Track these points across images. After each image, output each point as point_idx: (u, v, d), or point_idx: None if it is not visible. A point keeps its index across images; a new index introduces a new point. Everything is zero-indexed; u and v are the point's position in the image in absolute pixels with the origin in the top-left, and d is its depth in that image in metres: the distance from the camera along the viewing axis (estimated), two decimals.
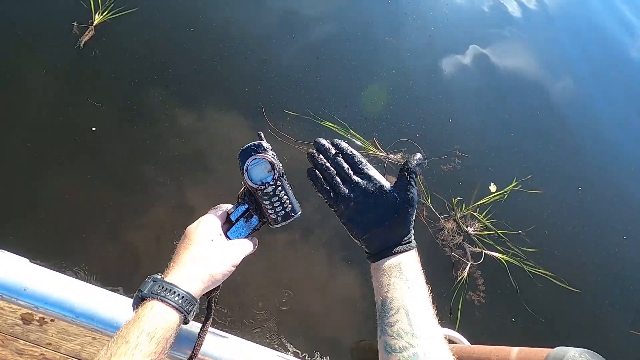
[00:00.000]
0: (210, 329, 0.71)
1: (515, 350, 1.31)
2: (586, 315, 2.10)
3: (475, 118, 2.61)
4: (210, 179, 2.01)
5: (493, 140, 2.55)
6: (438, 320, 0.59)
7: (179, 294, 0.56)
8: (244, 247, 0.66)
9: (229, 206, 0.70)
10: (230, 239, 0.66)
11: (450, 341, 1.70)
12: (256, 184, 0.67)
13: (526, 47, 3.14)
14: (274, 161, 0.67)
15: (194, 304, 0.58)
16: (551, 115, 2.80)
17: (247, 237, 0.68)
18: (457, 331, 1.73)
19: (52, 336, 1.30)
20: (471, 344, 1.68)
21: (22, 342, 1.28)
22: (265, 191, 0.67)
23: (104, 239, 1.76)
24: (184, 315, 0.56)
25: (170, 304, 0.55)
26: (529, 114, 2.75)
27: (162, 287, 0.56)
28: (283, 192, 0.68)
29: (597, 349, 1.10)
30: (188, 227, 0.65)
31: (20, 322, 1.31)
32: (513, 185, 2.36)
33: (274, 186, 0.68)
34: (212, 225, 0.65)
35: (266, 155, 0.67)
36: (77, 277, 1.64)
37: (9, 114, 1.94)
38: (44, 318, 1.31)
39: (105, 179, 1.88)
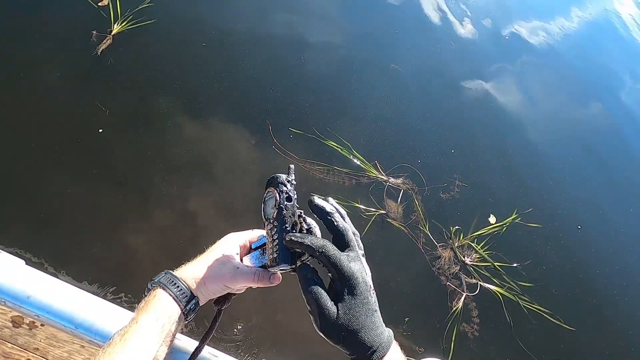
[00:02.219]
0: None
1: None
2: (580, 356, 2.07)
3: (477, 149, 2.63)
4: (213, 188, 2.03)
5: (494, 172, 2.56)
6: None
7: (178, 287, 0.63)
8: (241, 274, 0.65)
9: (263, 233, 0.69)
10: (242, 262, 0.67)
11: None
12: (263, 219, 0.63)
13: (531, 82, 3.20)
14: (279, 199, 0.61)
15: (191, 299, 0.63)
16: (553, 153, 2.82)
17: (259, 267, 0.66)
18: None
19: (40, 341, 1.29)
20: None
21: (9, 345, 1.27)
22: (268, 228, 0.62)
23: (103, 239, 1.77)
24: (180, 306, 0.62)
25: (170, 293, 0.62)
26: (532, 150, 2.78)
27: (168, 279, 0.63)
28: (276, 235, 0.60)
29: None
30: (230, 233, 0.71)
31: (10, 324, 1.30)
32: (513, 217, 2.36)
33: (271, 226, 0.62)
34: (232, 242, 0.69)
35: (275, 190, 0.62)
36: (74, 279, 1.65)
37: (21, 114, 1.98)
38: (34, 322, 1.31)
39: (108, 181, 1.90)
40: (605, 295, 2.26)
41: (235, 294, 0.70)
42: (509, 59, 3.24)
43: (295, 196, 0.63)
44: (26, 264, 0.91)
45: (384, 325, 0.60)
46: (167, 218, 1.88)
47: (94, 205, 1.83)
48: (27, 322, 1.33)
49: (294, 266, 0.60)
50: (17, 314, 1.37)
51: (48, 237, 1.73)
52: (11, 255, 0.94)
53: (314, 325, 0.58)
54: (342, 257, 0.60)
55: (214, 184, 2.04)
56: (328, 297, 0.58)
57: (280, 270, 0.61)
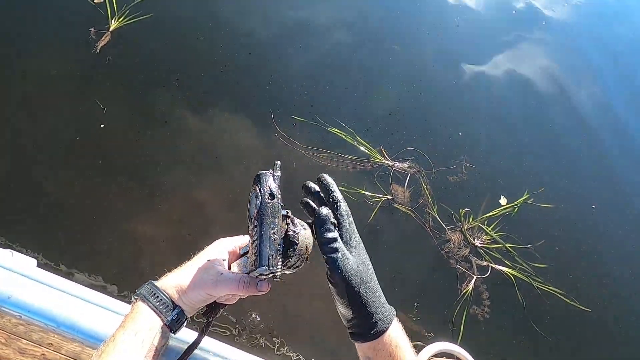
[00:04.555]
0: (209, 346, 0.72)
1: None
2: (596, 337, 2.02)
3: (485, 130, 2.56)
4: (218, 179, 2.03)
5: (504, 153, 2.49)
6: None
7: (158, 297, 0.59)
8: (224, 281, 0.60)
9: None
10: (230, 269, 0.62)
11: (454, 356, 1.66)
12: (247, 219, 0.58)
13: (541, 57, 3.07)
14: (259, 197, 0.56)
15: (171, 309, 0.60)
16: (566, 129, 2.72)
17: (246, 274, 0.60)
18: (459, 345, 1.69)
19: (53, 337, 1.32)
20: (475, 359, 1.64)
21: (24, 341, 1.31)
22: (249, 229, 0.58)
23: (109, 235, 1.80)
24: (162, 317, 0.59)
25: (149, 305, 0.59)
26: (543, 127, 2.68)
27: (149, 290, 0.60)
28: (256, 236, 0.56)
29: None
30: (221, 239, 0.67)
31: (24, 321, 1.34)
32: (524, 198, 2.30)
33: (252, 226, 0.57)
34: (219, 248, 0.65)
35: (257, 187, 0.57)
36: (83, 275, 1.68)
37: (22, 113, 2.01)
38: None
39: (111, 176, 1.93)
40: (621, 276, 2.20)
41: (225, 304, 0.65)
42: (516, 35, 3.12)
43: (279, 194, 0.58)
44: (37, 265, 0.93)
45: (385, 300, 0.61)
46: (173, 211, 1.89)
47: (98, 201, 1.86)
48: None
49: (273, 270, 0.55)
50: None
51: (54, 234, 1.77)
52: (23, 256, 0.96)
53: (334, 270, 0.56)
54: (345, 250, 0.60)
55: (219, 175, 2.05)
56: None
57: (260, 275, 0.56)
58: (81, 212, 1.83)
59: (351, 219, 0.61)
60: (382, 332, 0.58)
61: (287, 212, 0.58)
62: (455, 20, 3.01)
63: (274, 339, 1.71)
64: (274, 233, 0.56)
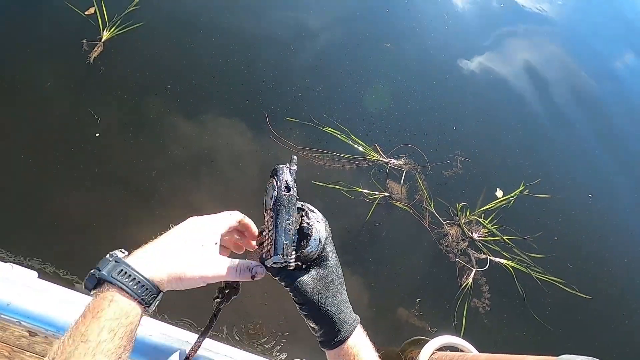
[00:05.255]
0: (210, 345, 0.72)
1: (517, 357, 1.28)
2: (598, 324, 2.03)
3: (479, 123, 2.58)
4: (214, 183, 2.04)
5: (498, 146, 2.51)
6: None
7: (142, 284, 0.51)
8: (221, 269, 0.57)
9: (247, 221, 0.65)
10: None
11: (456, 349, 1.67)
12: (263, 210, 0.61)
13: (532, 49, 3.10)
14: (275, 189, 0.58)
15: (155, 295, 0.52)
16: (559, 119, 2.74)
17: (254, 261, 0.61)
18: (462, 338, 1.70)
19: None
20: (478, 351, 1.64)
21: (28, 354, 1.31)
22: (266, 219, 0.60)
23: (108, 243, 1.80)
24: (145, 306, 0.52)
25: (131, 295, 0.50)
26: (536, 120, 2.70)
27: (124, 272, 0.50)
28: (272, 227, 0.58)
29: (609, 357, 1.05)
30: (190, 218, 0.61)
31: (27, 334, 1.34)
32: (520, 189, 2.32)
33: (268, 217, 0.59)
34: (211, 230, 0.59)
35: (274, 180, 0.59)
36: (80, 284, 1.69)
37: (20, 125, 2.02)
38: None
39: (108, 183, 1.93)
40: (620, 263, 2.21)
41: (237, 293, 0.65)
42: (506, 29, 3.14)
43: (296, 187, 0.60)
44: (39, 276, 0.94)
45: (351, 308, 0.64)
46: (170, 216, 1.90)
47: (95, 210, 1.86)
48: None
49: (287, 260, 0.57)
50: None
51: (53, 245, 1.77)
52: (23, 268, 0.96)
53: (291, 292, 0.61)
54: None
55: (215, 179, 2.06)
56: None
57: (275, 264, 0.58)
58: (79, 221, 1.83)
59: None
60: (344, 340, 0.61)
61: (302, 205, 0.61)
62: (446, 16, 3.04)
63: (274, 340, 1.71)
64: (289, 224, 0.57)
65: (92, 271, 0.51)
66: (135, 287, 0.50)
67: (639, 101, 3.05)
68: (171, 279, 0.54)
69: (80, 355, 0.44)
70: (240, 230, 0.67)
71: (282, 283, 0.61)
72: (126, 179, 1.97)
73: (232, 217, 0.63)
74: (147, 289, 0.51)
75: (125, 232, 1.83)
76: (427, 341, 1.64)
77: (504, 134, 2.58)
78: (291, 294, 0.61)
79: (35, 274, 0.96)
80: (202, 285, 0.57)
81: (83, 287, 0.52)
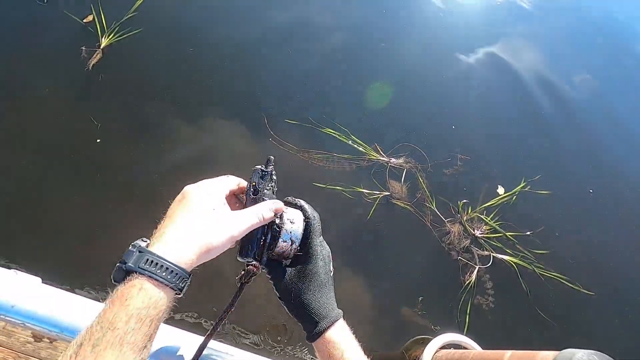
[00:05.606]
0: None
1: (521, 353, 1.27)
2: (602, 320, 2.02)
3: (479, 121, 2.57)
4: None
5: (498, 143, 2.51)
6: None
7: (171, 270, 0.49)
8: (248, 217, 0.57)
9: (242, 182, 0.65)
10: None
11: (460, 346, 1.67)
12: None
13: (531, 44, 3.10)
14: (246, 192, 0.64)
15: (186, 279, 0.51)
16: (559, 114, 2.74)
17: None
18: (466, 336, 1.69)
19: (61, 353, 1.34)
20: (482, 348, 1.64)
21: (33, 359, 1.32)
22: None
23: (111, 248, 1.81)
24: (177, 292, 0.51)
25: (161, 282, 0.48)
26: (535, 116, 2.70)
27: (151, 261, 0.49)
28: None
29: (613, 352, 1.05)
30: (187, 187, 0.59)
31: (32, 339, 1.35)
32: (521, 186, 2.31)
33: None
34: (215, 191, 0.59)
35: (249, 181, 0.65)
36: (88, 292, 1.69)
37: (20, 132, 2.04)
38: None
39: (110, 188, 1.94)
40: (622, 257, 2.20)
41: (258, 272, 0.66)
42: (504, 25, 3.14)
43: (268, 189, 0.64)
44: (42, 281, 0.95)
45: (335, 304, 0.66)
46: None
47: (98, 215, 1.87)
48: (47, 336, 1.38)
49: (250, 262, 0.62)
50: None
51: (56, 251, 1.78)
52: (27, 274, 0.97)
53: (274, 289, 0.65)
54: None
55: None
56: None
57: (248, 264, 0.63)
58: (82, 227, 1.84)
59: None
60: (319, 334, 0.62)
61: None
62: (441, 15, 3.04)
63: (278, 337, 1.71)
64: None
65: (118, 264, 0.51)
66: (164, 274, 0.49)
67: None
68: (200, 254, 0.52)
69: (108, 343, 0.43)
70: (237, 195, 0.67)
71: (269, 277, 0.65)
72: (128, 184, 1.98)
73: (230, 179, 0.64)
74: (176, 274, 0.50)
75: (128, 236, 1.83)
76: (431, 339, 1.64)
77: (504, 131, 2.58)
78: (274, 289, 0.65)
79: (39, 279, 0.97)
80: (231, 246, 0.57)
81: (112, 281, 0.51)
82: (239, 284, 0.67)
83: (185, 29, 2.52)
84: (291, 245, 0.63)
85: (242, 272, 0.67)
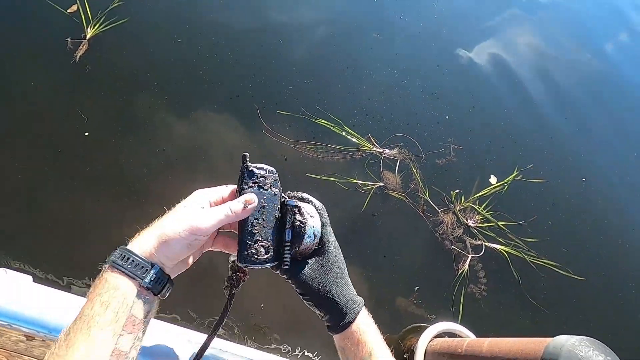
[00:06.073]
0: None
1: (513, 340, 1.29)
2: (592, 305, 2.06)
3: (471, 111, 2.57)
4: (209, 179, 2.01)
5: (491, 132, 2.51)
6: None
7: (132, 261, 0.52)
8: (215, 212, 0.57)
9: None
10: None
11: (454, 334, 1.69)
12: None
13: (525, 34, 3.09)
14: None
15: (147, 269, 0.53)
16: (552, 104, 2.74)
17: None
18: (460, 324, 1.72)
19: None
20: (476, 336, 1.67)
21: (26, 358, 1.30)
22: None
23: (102, 244, 1.79)
24: (138, 280, 0.52)
25: (119, 269, 0.52)
26: (528, 106, 2.70)
27: (120, 254, 0.53)
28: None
29: (605, 337, 1.07)
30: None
31: (24, 338, 1.33)
32: (514, 175, 2.33)
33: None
34: (198, 195, 0.61)
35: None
36: (79, 287, 1.68)
37: (5, 126, 1.99)
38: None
39: (100, 182, 1.91)
40: (615, 244, 2.24)
41: (246, 275, 0.65)
42: (498, 17, 3.13)
43: (244, 186, 0.62)
44: (33, 280, 0.93)
45: (355, 291, 0.66)
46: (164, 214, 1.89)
47: (88, 210, 1.84)
48: (37, 336, 1.36)
49: (280, 261, 0.60)
50: None
51: (46, 247, 1.76)
52: (18, 273, 0.95)
53: (294, 284, 0.63)
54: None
55: (208, 176, 2.04)
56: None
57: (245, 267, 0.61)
58: (72, 222, 1.82)
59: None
60: (349, 323, 0.62)
61: (295, 202, 0.61)
62: (435, 4, 3.01)
63: (276, 334, 1.72)
64: (254, 227, 0.59)
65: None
66: (124, 263, 0.52)
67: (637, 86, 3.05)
68: (159, 245, 0.54)
69: (77, 331, 0.48)
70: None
71: (284, 276, 0.62)
72: (118, 178, 1.95)
73: (225, 188, 0.63)
74: (137, 264, 0.52)
75: (119, 231, 1.82)
76: (426, 328, 1.66)
77: (497, 121, 2.58)
78: (293, 286, 0.63)
79: (29, 277, 0.95)
80: (196, 240, 0.55)
81: None
82: (228, 294, 0.64)
83: (173, 19, 2.46)
84: (314, 240, 0.61)
85: (232, 282, 0.64)
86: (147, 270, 0.53)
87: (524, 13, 3.23)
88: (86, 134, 2.01)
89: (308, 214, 0.61)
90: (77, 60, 2.20)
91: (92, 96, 2.13)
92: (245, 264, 0.58)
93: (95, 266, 1.72)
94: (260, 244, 0.58)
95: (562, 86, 2.85)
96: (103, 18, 2.31)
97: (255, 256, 0.58)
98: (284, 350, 1.71)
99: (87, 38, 2.26)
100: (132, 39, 2.33)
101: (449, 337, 1.65)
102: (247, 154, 0.63)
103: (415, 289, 1.93)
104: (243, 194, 0.60)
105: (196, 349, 0.65)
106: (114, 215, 1.86)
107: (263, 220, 0.58)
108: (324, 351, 1.72)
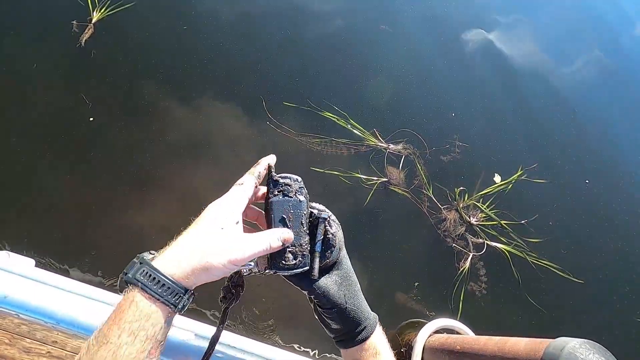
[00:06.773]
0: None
1: (512, 339, 1.30)
2: (591, 307, 2.07)
3: (478, 109, 2.55)
4: (212, 169, 2.02)
5: (497, 131, 2.49)
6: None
7: (163, 284, 0.48)
8: (255, 244, 0.53)
9: (262, 189, 0.62)
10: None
11: (453, 331, 1.70)
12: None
13: (533, 31, 3.04)
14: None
15: (181, 295, 0.50)
16: (556, 105, 2.72)
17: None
18: (459, 321, 1.73)
19: (57, 334, 1.34)
20: (475, 334, 1.68)
21: (28, 340, 1.31)
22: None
23: (105, 230, 1.79)
24: (171, 308, 0.50)
25: (152, 295, 0.48)
26: (534, 106, 2.67)
27: (146, 273, 0.49)
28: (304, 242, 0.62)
29: (602, 340, 1.07)
30: (210, 204, 0.57)
31: (23, 320, 1.34)
32: (518, 174, 2.32)
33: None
34: (228, 209, 0.54)
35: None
36: (81, 272, 1.69)
37: (10, 110, 1.98)
38: None
39: (103, 168, 1.91)
40: (614, 248, 2.24)
41: (243, 286, 0.63)
42: (507, 12, 3.07)
43: (271, 198, 0.60)
44: (36, 264, 0.93)
45: (369, 307, 0.65)
46: (167, 202, 1.89)
47: (91, 196, 1.84)
48: (44, 327, 1.37)
49: (310, 274, 0.60)
50: None
51: (49, 232, 1.76)
52: (21, 256, 0.95)
53: (317, 298, 0.61)
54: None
55: (212, 166, 2.04)
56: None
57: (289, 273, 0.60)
58: (75, 208, 1.82)
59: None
60: (367, 337, 0.62)
61: (320, 213, 0.61)
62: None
63: (277, 330, 1.74)
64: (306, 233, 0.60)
65: (120, 274, 0.51)
66: (155, 287, 0.48)
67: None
68: (196, 272, 0.50)
69: (102, 358, 0.45)
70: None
71: (305, 292, 0.61)
72: (121, 163, 1.94)
73: (243, 193, 0.57)
74: (168, 288, 0.49)
75: (121, 216, 1.82)
76: (425, 324, 1.67)
77: (503, 119, 2.56)
78: (316, 300, 0.61)
79: (32, 261, 0.95)
80: (234, 269, 0.53)
81: (119, 290, 0.52)
82: (224, 307, 0.62)
83: (179, 4, 2.43)
84: (338, 253, 0.61)
85: (230, 294, 0.62)
86: (179, 296, 0.50)
87: (528, 17, 3.17)
88: (91, 119, 2.00)
89: (336, 227, 0.62)
90: (82, 44, 2.17)
91: (96, 81, 2.11)
92: (274, 270, 0.58)
93: (98, 252, 1.72)
94: (288, 250, 0.57)
95: (568, 88, 2.81)
96: (109, 2, 2.27)
97: (284, 262, 0.57)
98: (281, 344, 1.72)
99: (92, 22, 2.23)
100: (138, 24, 2.30)
101: (448, 333, 1.66)
102: (272, 162, 0.61)
103: (415, 284, 1.94)
104: (270, 201, 0.59)
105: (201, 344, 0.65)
106: (115, 199, 1.86)
107: (290, 227, 0.59)
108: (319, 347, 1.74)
